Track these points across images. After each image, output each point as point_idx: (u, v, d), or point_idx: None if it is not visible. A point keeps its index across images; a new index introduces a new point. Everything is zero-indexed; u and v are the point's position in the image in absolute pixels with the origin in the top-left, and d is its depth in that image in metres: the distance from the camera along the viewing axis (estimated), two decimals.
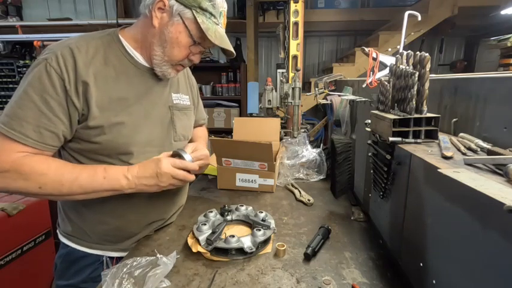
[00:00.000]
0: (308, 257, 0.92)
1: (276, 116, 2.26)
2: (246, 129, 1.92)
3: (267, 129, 1.87)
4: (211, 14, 0.93)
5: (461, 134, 0.80)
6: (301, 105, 2.10)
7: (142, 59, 0.99)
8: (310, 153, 1.72)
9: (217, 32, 0.95)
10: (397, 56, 0.87)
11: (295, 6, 2.16)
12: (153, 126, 1.01)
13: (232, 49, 1.00)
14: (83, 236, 1.01)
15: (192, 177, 0.97)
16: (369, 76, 1.22)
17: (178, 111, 1.10)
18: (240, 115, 4.29)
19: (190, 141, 1.22)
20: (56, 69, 0.82)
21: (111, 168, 0.90)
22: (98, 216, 0.99)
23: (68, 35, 4.97)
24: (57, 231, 1.07)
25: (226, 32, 1.01)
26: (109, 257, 1.04)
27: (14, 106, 0.81)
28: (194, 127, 1.30)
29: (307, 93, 2.85)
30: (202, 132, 1.42)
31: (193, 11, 0.91)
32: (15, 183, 0.81)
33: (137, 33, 0.98)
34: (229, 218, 1.11)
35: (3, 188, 0.82)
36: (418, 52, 0.81)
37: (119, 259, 1.02)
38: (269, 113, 2.31)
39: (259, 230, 1.00)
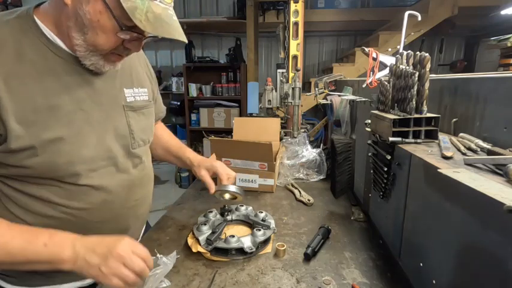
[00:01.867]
0: (308, 257, 0.93)
1: (276, 116, 2.26)
2: (246, 129, 1.92)
3: (267, 129, 1.87)
4: None
5: (461, 134, 0.80)
6: (301, 105, 2.10)
7: (65, 46, 0.73)
8: (310, 153, 1.72)
9: (151, 13, 0.66)
10: (397, 56, 0.87)
11: (295, 6, 2.16)
12: (102, 134, 0.79)
13: (180, 37, 0.72)
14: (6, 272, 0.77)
15: (139, 280, 0.68)
16: (369, 76, 1.22)
17: (133, 111, 0.88)
18: (240, 115, 4.29)
19: (158, 147, 1.15)
20: None
21: (58, 234, 0.67)
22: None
23: None
24: None
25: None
26: None
27: None
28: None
29: (307, 93, 2.85)
30: (169, 136, 1.22)
31: None
32: None
33: (52, 15, 0.71)
34: (229, 218, 1.11)
35: None
36: (418, 52, 0.81)
37: None
38: (269, 113, 2.31)
39: (259, 230, 1.00)
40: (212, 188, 1.08)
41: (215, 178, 1.13)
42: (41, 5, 0.74)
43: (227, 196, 1.11)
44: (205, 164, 1.13)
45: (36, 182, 0.73)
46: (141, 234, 1.08)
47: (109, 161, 0.81)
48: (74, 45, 0.71)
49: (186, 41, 0.76)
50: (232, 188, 1.05)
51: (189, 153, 1.19)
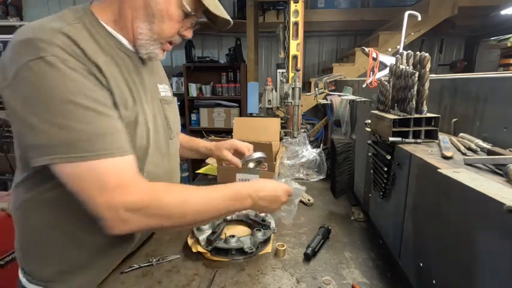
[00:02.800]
0: (308, 257, 0.93)
1: (276, 116, 2.26)
2: (246, 129, 1.92)
3: (267, 129, 1.88)
4: None
5: (461, 134, 0.80)
6: (301, 105, 2.10)
7: (128, 43, 0.79)
8: (310, 153, 1.72)
9: (217, 2, 0.80)
10: (397, 56, 0.87)
11: (295, 6, 2.16)
12: (154, 123, 0.85)
13: (229, 18, 0.84)
14: (62, 279, 0.78)
15: None
16: (369, 76, 1.22)
17: (167, 105, 0.94)
18: (240, 115, 4.29)
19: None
20: (71, 61, 0.63)
21: (236, 186, 0.82)
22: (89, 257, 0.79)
23: None
24: (20, 273, 0.84)
25: (226, 31, 0.95)
26: None
27: (74, 125, 0.61)
28: None
29: (307, 93, 2.85)
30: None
31: None
32: (155, 220, 0.68)
33: (114, 9, 0.75)
34: (229, 218, 1.11)
35: (140, 225, 0.68)
36: (418, 52, 0.81)
37: None
38: (269, 113, 2.31)
39: (259, 230, 1.00)
40: (239, 162, 1.19)
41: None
42: (93, 2, 0.77)
43: (252, 165, 1.20)
44: (224, 145, 1.22)
45: None
46: None
47: (158, 150, 0.87)
48: (137, 34, 0.76)
49: (231, 22, 0.86)
50: (258, 154, 1.17)
51: (202, 142, 1.26)
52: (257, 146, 1.39)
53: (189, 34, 0.84)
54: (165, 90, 0.96)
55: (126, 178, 0.66)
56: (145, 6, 0.73)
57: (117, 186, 0.64)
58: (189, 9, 0.76)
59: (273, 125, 1.93)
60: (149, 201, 0.66)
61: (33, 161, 0.63)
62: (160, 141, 0.88)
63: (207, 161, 1.70)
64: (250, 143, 1.39)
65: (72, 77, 0.62)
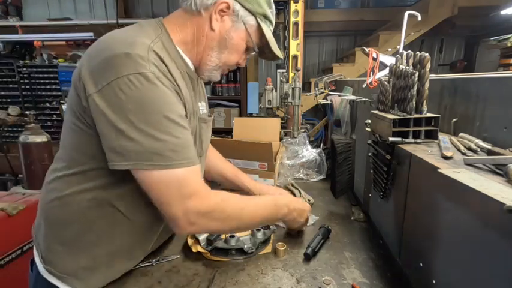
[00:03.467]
0: (308, 257, 0.92)
1: (276, 116, 2.26)
2: (246, 129, 1.92)
3: (267, 129, 1.87)
4: (271, 22, 0.90)
5: (461, 134, 0.80)
6: (301, 105, 2.10)
7: (190, 62, 0.87)
8: (310, 153, 1.72)
9: (274, 40, 0.91)
10: (397, 56, 0.87)
11: (295, 6, 2.16)
12: (194, 139, 0.91)
13: (281, 56, 0.99)
14: (82, 276, 0.80)
15: None
16: (369, 76, 1.21)
17: (204, 123, 0.98)
18: (240, 115, 4.29)
19: (213, 171, 1.25)
20: (164, 80, 0.71)
21: (277, 198, 1.02)
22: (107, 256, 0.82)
23: (67, 35, 4.98)
24: (39, 262, 0.82)
25: (275, 59, 1.00)
26: None
27: (164, 138, 0.69)
28: None
29: (307, 93, 2.85)
30: (222, 161, 1.29)
31: (258, 19, 0.85)
32: (217, 223, 0.78)
33: (187, 34, 0.83)
34: None
35: (204, 228, 0.80)
36: (418, 52, 0.81)
37: None
38: (269, 113, 2.31)
39: (259, 230, 1.00)
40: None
41: None
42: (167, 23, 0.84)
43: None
44: (266, 192, 1.22)
45: None
46: None
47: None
48: (207, 60, 0.87)
49: (282, 57, 0.99)
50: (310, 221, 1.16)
51: (248, 182, 1.25)
52: (257, 146, 1.39)
53: (243, 63, 0.95)
54: (203, 108, 1.00)
55: (199, 185, 0.75)
56: (221, 39, 0.84)
57: (193, 193, 0.73)
58: (255, 46, 0.89)
59: (273, 125, 1.93)
60: (215, 207, 0.76)
61: (115, 164, 0.69)
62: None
63: None
64: (250, 143, 1.39)
65: (167, 93, 0.71)
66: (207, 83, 4.41)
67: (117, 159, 0.68)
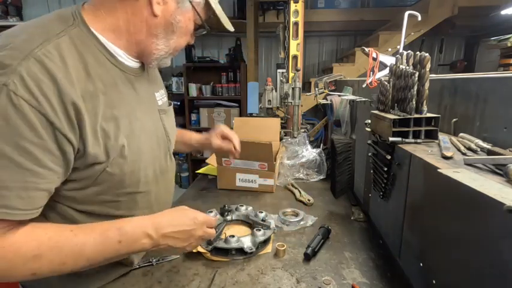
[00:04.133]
0: (308, 257, 0.92)
1: (276, 116, 2.26)
2: (246, 129, 1.92)
3: (267, 129, 1.88)
4: None
5: (461, 134, 0.80)
6: (301, 105, 2.10)
7: (124, 54, 0.74)
8: (310, 153, 1.72)
9: (223, 14, 0.84)
10: (397, 56, 0.87)
11: (295, 6, 2.16)
12: (151, 141, 0.81)
13: (232, 27, 0.88)
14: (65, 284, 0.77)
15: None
16: (369, 76, 1.22)
17: (164, 114, 0.90)
18: (240, 115, 4.29)
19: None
20: (28, 99, 0.54)
21: (126, 225, 0.67)
22: None
23: None
24: None
25: (226, 31, 0.90)
26: None
27: None
28: None
29: (307, 93, 2.85)
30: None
31: None
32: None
33: (117, 21, 0.69)
34: (229, 218, 1.11)
35: None
36: (418, 52, 0.81)
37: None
38: (269, 113, 2.31)
39: (259, 230, 1.00)
40: (231, 148, 1.18)
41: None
42: (86, 8, 0.70)
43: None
44: (212, 135, 1.19)
45: (104, 199, 0.73)
46: None
47: (156, 165, 0.83)
48: (152, 50, 0.75)
49: (233, 29, 0.89)
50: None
51: (194, 136, 1.23)
52: (257, 146, 1.39)
53: (192, 40, 0.85)
54: (161, 97, 0.92)
55: None
56: (166, 25, 0.73)
57: None
58: (204, 22, 0.80)
59: (273, 125, 1.93)
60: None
61: None
62: (159, 157, 0.86)
63: (207, 161, 1.70)
64: (250, 143, 1.39)
65: (12, 119, 0.54)
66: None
67: None
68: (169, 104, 0.98)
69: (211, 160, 1.55)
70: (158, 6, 0.69)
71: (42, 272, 0.60)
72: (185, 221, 0.75)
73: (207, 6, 0.78)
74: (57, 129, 0.58)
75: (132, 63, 0.77)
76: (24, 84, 0.54)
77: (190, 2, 0.74)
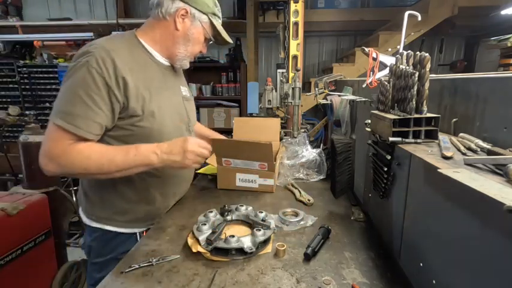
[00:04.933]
0: (308, 257, 0.92)
1: (276, 116, 2.26)
2: (246, 129, 1.92)
3: (267, 129, 1.88)
4: (219, 17, 1.23)
5: (461, 134, 0.80)
6: (301, 105, 2.10)
7: (160, 56, 1.19)
8: (310, 153, 1.72)
9: (223, 30, 1.25)
10: (397, 56, 0.87)
11: (295, 6, 2.16)
12: (175, 114, 1.21)
13: (231, 40, 1.31)
14: (116, 218, 1.17)
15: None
16: (369, 76, 1.22)
17: (187, 101, 1.33)
18: (240, 115, 4.29)
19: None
20: (97, 69, 0.97)
21: (141, 146, 1.04)
22: (128, 204, 1.17)
23: (67, 35, 4.98)
24: (83, 216, 1.20)
25: (226, 32, 1.28)
26: (139, 232, 1.21)
27: (65, 103, 0.97)
28: None
29: (307, 93, 2.85)
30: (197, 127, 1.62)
31: (209, 16, 1.18)
32: (65, 167, 0.98)
33: (154, 34, 1.16)
34: (229, 218, 1.11)
35: (57, 171, 0.99)
36: (418, 52, 0.81)
37: (146, 231, 1.20)
38: (269, 113, 2.31)
39: (259, 230, 1.00)
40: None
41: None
42: (138, 30, 1.19)
43: None
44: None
45: (132, 142, 1.07)
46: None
47: (177, 132, 1.20)
48: (176, 53, 1.19)
49: (232, 42, 1.32)
50: None
51: (199, 130, 1.61)
52: (257, 146, 1.39)
53: (204, 50, 1.28)
54: (185, 91, 1.35)
55: (61, 140, 0.97)
56: (184, 36, 1.16)
57: (55, 142, 0.97)
58: (211, 36, 1.23)
59: (273, 125, 1.93)
60: (60, 154, 0.97)
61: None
62: (180, 128, 1.24)
63: (207, 161, 1.70)
64: (250, 143, 1.39)
65: (87, 79, 0.96)
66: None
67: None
68: (190, 96, 1.40)
69: (211, 160, 1.54)
70: (180, 24, 1.14)
71: (90, 168, 0.99)
72: (177, 141, 1.07)
73: (212, 25, 1.20)
74: (110, 88, 0.99)
75: (164, 61, 1.22)
76: (96, 61, 0.97)
77: (200, 21, 1.17)
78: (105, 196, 1.15)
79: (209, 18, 1.18)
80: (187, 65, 1.25)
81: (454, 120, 0.91)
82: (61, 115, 0.95)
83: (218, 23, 1.22)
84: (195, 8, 1.14)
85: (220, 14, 1.24)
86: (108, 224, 1.16)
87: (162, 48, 1.18)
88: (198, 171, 1.75)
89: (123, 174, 1.04)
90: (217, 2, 1.22)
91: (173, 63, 1.23)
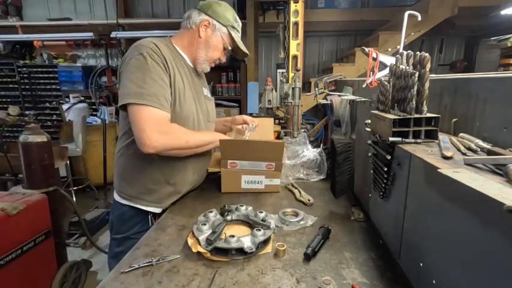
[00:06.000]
0: (308, 257, 0.92)
1: (276, 116, 2.26)
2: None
3: (261, 129, 1.84)
4: (238, 31, 1.43)
5: (461, 134, 0.80)
6: (301, 105, 2.10)
7: (187, 59, 1.40)
8: (310, 152, 1.71)
9: (241, 42, 1.45)
10: (397, 56, 0.87)
11: (295, 6, 2.16)
12: (195, 108, 1.37)
13: (247, 51, 1.51)
14: (143, 197, 1.32)
15: None
16: (369, 76, 1.21)
17: (208, 100, 1.52)
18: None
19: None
20: (155, 57, 1.18)
21: (214, 132, 1.47)
22: (155, 185, 1.33)
23: (67, 35, 4.97)
24: (116, 195, 1.38)
25: (245, 55, 1.51)
26: (152, 215, 1.35)
27: (145, 87, 1.14)
28: None
29: (307, 93, 2.85)
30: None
31: (228, 29, 1.38)
32: (173, 140, 1.20)
33: (183, 40, 1.38)
34: (229, 218, 1.11)
35: (167, 144, 1.18)
36: (418, 52, 0.81)
37: (159, 216, 1.31)
38: (269, 113, 2.31)
39: (259, 230, 1.00)
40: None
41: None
42: (172, 37, 1.42)
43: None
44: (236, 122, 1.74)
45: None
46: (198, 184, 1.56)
47: (196, 124, 1.37)
48: (198, 56, 1.38)
49: (249, 54, 1.57)
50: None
51: (219, 122, 1.77)
52: (268, 145, 1.40)
53: (223, 59, 1.49)
54: (206, 91, 1.54)
55: (161, 118, 1.18)
56: (206, 42, 1.37)
57: (155, 122, 1.15)
58: (227, 46, 1.42)
59: (267, 125, 1.89)
60: (168, 130, 1.19)
61: (119, 103, 1.19)
62: (201, 120, 1.41)
63: (209, 169, 1.68)
64: (262, 142, 1.47)
65: (153, 64, 1.18)
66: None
67: (119, 100, 1.19)
68: (211, 97, 1.60)
69: (212, 166, 1.54)
70: (202, 32, 1.35)
71: (190, 142, 1.26)
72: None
73: (230, 36, 1.39)
74: (164, 70, 1.21)
75: (191, 64, 1.42)
76: (152, 51, 1.20)
77: (220, 32, 1.37)
78: (135, 177, 1.32)
79: (228, 31, 1.37)
80: (207, 69, 1.44)
81: (454, 120, 0.91)
82: (149, 98, 1.14)
83: (237, 36, 1.41)
84: (217, 21, 1.35)
85: (239, 29, 1.43)
86: (136, 203, 1.32)
87: (189, 52, 1.39)
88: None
89: (202, 150, 1.33)
90: (238, 19, 1.42)
91: (196, 66, 1.41)
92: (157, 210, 1.35)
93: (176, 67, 1.28)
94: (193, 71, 1.41)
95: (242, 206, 1.17)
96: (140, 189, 1.32)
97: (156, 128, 1.14)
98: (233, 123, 1.71)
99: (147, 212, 1.34)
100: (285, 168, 1.66)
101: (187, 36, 1.37)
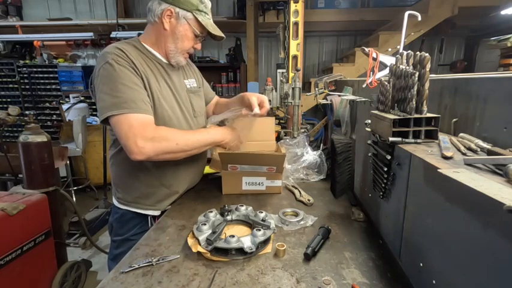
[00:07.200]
0: (308, 257, 0.92)
1: (276, 116, 2.26)
2: (239, 127, 1.88)
3: (261, 129, 1.83)
4: (205, 12, 1.28)
5: (461, 134, 0.80)
6: (301, 105, 2.10)
7: (159, 55, 1.31)
8: (310, 156, 1.70)
9: (212, 25, 1.31)
10: (397, 56, 0.87)
11: (295, 6, 2.16)
12: (182, 106, 1.34)
13: (222, 34, 1.34)
14: (140, 201, 1.32)
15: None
16: (369, 76, 1.21)
17: (192, 93, 1.44)
18: None
19: (219, 108, 1.68)
20: (121, 62, 1.13)
21: (210, 130, 1.33)
22: (151, 189, 1.32)
23: (67, 35, 4.97)
24: (114, 200, 1.37)
25: (226, 32, 1.35)
26: (152, 216, 1.34)
27: (120, 95, 1.09)
28: (208, 102, 1.68)
29: (307, 93, 2.85)
30: (223, 100, 1.74)
31: (194, 13, 1.24)
32: (161, 144, 1.12)
33: (151, 36, 1.30)
34: (229, 218, 1.11)
35: (155, 150, 1.12)
36: (418, 52, 0.80)
37: (158, 217, 1.31)
38: (269, 113, 2.31)
39: (259, 230, 1.00)
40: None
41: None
42: (140, 35, 1.34)
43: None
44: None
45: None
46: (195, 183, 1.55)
47: (179, 123, 1.32)
48: (168, 51, 1.29)
49: (224, 36, 1.36)
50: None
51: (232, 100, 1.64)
52: (269, 158, 1.35)
53: (198, 47, 1.35)
54: (190, 83, 1.45)
55: (144, 123, 1.11)
56: (172, 34, 1.26)
57: (139, 127, 1.09)
58: (198, 32, 1.29)
59: (267, 124, 1.88)
60: (153, 135, 1.11)
61: (99, 119, 1.14)
62: (187, 117, 1.37)
63: (210, 169, 1.67)
64: (263, 155, 1.37)
65: (122, 70, 1.12)
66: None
67: (99, 114, 1.15)
68: (199, 87, 1.51)
69: (212, 166, 1.53)
70: (166, 24, 1.24)
71: (179, 144, 1.17)
72: (229, 130, 1.38)
73: (197, 20, 1.26)
74: (138, 72, 1.16)
75: (165, 60, 1.33)
76: (118, 56, 1.13)
77: (185, 19, 1.25)
78: (130, 183, 1.31)
79: (194, 15, 1.24)
80: (182, 62, 1.33)
81: (454, 120, 0.91)
82: (127, 105, 1.09)
83: (205, 19, 1.27)
84: (179, 7, 1.22)
85: (207, 10, 1.29)
86: (135, 207, 1.32)
87: (159, 48, 1.30)
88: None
89: (197, 152, 1.26)
90: None
91: (169, 61, 1.32)
92: (156, 213, 1.34)
93: (148, 68, 1.22)
94: (168, 67, 1.32)
95: (242, 206, 1.17)
96: (137, 194, 1.31)
97: (141, 134, 1.08)
98: (241, 104, 1.48)
99: (147, 214, 1.33)
100: (285, 171, 1.65)
101: (153, 31, 1.28)
